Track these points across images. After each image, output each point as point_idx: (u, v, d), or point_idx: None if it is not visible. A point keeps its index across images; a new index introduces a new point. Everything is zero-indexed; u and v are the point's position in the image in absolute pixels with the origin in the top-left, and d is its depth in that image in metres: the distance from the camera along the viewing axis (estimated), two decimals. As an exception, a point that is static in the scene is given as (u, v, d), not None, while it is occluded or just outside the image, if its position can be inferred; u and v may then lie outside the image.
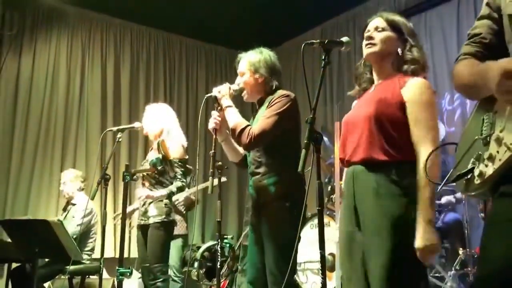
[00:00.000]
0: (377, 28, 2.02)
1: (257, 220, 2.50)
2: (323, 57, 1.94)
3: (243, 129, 2.42)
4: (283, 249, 2.31)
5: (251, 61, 2.62)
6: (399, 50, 2.00)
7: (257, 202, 2.51)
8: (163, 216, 3.50)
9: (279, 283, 2.31)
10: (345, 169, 2.02)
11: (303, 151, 1.74)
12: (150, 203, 3.51)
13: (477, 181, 1.27)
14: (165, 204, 3.51)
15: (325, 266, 1.74)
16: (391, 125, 1.87)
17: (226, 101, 2.55)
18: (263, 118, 2.45)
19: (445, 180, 1.43)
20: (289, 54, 7.10)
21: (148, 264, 3.38)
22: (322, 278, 1.71)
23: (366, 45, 2.02)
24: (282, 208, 2.40)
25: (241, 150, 2.67)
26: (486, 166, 1.25)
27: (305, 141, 1.76)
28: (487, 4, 1.44)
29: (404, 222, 1.79)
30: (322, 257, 1.73)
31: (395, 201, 1.81)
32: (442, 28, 5.23)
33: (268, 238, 2.41)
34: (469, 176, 1.30)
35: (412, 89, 1.90)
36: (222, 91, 2.56)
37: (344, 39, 1.96)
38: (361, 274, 1.84)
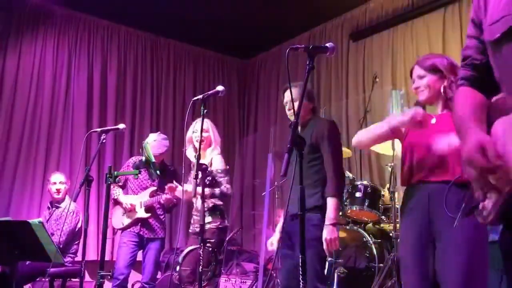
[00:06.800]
0: (419, 76, 2.28)
1: (293, 228, 2.64)
2: (307, 63, 1.94)
3: (339, 185, 2.70)
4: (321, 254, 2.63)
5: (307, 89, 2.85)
6: (442, 88, 2.21)
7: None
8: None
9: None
10: (419, 186, 2.18)
11: (286, 155, 1.74)
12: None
13: (484, 212, 1.24)
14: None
15: (306, 271, 1.74)
16: None
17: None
18: (335, 155, 2.75)
19: (460, 213, 1.46)
20: (277, 59, 7.14)
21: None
22: (302, 283, 1.71)
23: (416, 93, 2.30)
24: (318, 216, 2.67)
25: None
26: (490, 198, 1.21)
27: (288, 146, 1.76)
28: (472, 21, 1.40)
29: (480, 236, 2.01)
30: (303, 261, 1.74)
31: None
32: (428, 36, 5.29)
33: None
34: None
35: None
36: None
37: (329, 44, 1.98)
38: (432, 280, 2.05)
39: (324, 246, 2.57)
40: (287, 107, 2.92)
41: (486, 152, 1.14)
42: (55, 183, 4.66)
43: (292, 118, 2.82)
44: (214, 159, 3.62)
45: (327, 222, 2.59)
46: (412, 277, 2.13)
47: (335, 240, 2.56)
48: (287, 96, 2.91)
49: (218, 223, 3.52)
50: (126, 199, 4.21)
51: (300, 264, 1.71)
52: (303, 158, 2.64)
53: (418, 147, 2.26)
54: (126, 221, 4.19)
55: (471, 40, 1.41)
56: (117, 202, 4.22)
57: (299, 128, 2.81)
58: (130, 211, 4.17)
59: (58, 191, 4.64)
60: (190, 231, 3.71)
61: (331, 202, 2.62)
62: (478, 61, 1.38)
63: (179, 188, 3.61)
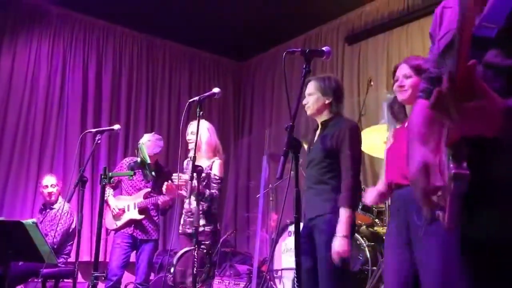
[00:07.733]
0: (405, 75, 2.27)
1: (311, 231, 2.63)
2: (304, 66, 1.95)
3: (354, 196, 2.55)
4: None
5: (321, 85, 2.76)
6: None
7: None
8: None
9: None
10: (396, 191, 2.21)
11: (282, 158, 1.75)
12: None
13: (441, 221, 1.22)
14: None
15: (300, 274, 1.74)
16: None
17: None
18: (353, 164, 2.59)
19: (423, 222, 1.47)
20: (272, 61, 7.15)
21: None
22: (297, 286, 1.71)
23: (399, 91, 2.28)
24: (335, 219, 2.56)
25: None
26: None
27: (284, 149, 1.77)
28: (430, 36, 1.45)
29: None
30: (297, 264, 1.74)
31: None
32: (423, 40, 5.32)
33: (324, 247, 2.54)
34: None
35: None
36: None
37: (325, 48, 2.00)
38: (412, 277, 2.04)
39: (334, 256, 2.40)
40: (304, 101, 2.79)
41: (429, 172, 1.10)
42: (46, 186, 4.63)
43: (308, 111, 2.77)
44: (214, 163, 3.67)
45: (338, 233, 2.43)
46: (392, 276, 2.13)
47: (344, 253, 2.40)
48: (309, 88, 2.77)
49: (212, 226, 3.54)
50: (116, 203, 4.19)
51: (295, 267, 1.72)
52: (320, 162, 2.64)
53: (392, 151, 2.30)
54: (119, 222, 4.18)
55: (430, 54, 1.44)
56: (106, 203, 4.21)
57: (319, 127, 2.78)
58: (117, 215, 4.16)
59: (50, 194, 4.61)
60: (179, 231, 3.70)
61: (343, 213, 2.46)
62: (433, 74, 1.39)
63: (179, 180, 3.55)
